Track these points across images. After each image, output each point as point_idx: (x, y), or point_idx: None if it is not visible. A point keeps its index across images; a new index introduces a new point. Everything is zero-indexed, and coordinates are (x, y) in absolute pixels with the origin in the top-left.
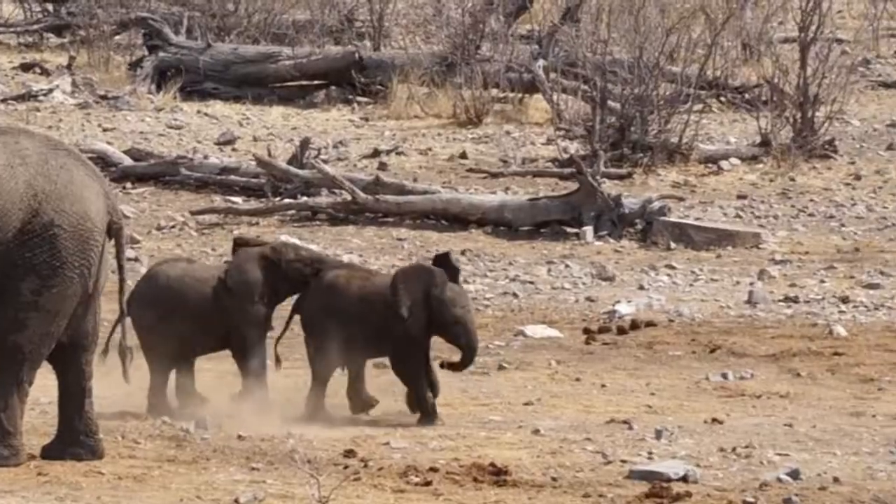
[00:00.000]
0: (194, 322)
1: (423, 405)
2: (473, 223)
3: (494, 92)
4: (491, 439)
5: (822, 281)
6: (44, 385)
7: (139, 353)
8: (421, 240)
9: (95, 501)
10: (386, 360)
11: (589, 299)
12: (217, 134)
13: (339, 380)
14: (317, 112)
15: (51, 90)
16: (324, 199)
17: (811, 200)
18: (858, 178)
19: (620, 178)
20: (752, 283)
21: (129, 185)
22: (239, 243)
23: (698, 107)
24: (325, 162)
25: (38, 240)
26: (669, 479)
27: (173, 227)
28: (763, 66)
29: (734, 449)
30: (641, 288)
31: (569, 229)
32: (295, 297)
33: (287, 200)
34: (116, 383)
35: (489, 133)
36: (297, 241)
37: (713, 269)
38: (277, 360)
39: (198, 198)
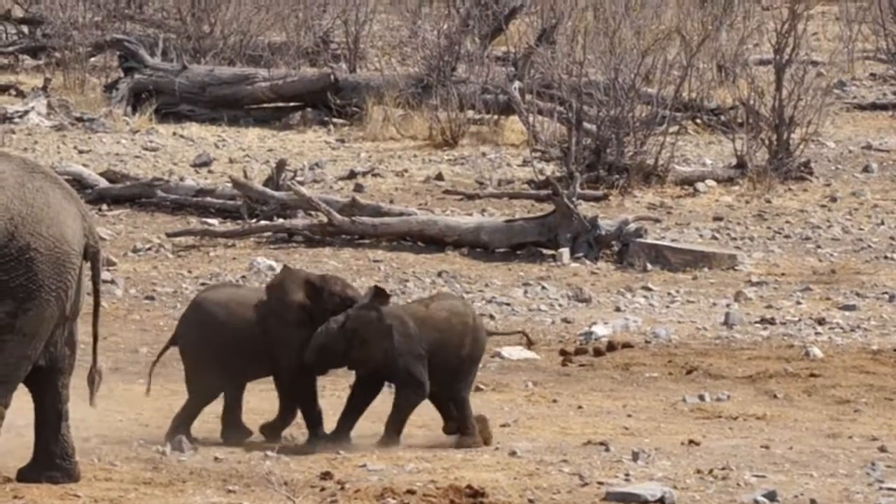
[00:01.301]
0: (241, 347)
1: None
2: (450, 245)
3: (470, 114)
4: (468, 461)
5: (799, 302)
6: (20, 408)
7: (116, 376)
8: (397, 262)
9: None
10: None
11: (565, 321)
12: (193, 156)
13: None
14: (293, 134)
15: (26, 112)
16: (300, 220)
17: (787, 222)
18: (834, 199)
19: (596, 199)
20: (728, 305)
21: (104, 207)
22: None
23: (674, 129)
24: (301, 184)
25: (14, 263)
26: (646, 501)
27: (149, 249)
28: (739, 87)
29: (711, 471)
30: (618, 309)
31: (545, 251)
32: None
33: (263, 222)
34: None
35: (465, 155)
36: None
37: (689, 290)
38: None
39: (174, 220)
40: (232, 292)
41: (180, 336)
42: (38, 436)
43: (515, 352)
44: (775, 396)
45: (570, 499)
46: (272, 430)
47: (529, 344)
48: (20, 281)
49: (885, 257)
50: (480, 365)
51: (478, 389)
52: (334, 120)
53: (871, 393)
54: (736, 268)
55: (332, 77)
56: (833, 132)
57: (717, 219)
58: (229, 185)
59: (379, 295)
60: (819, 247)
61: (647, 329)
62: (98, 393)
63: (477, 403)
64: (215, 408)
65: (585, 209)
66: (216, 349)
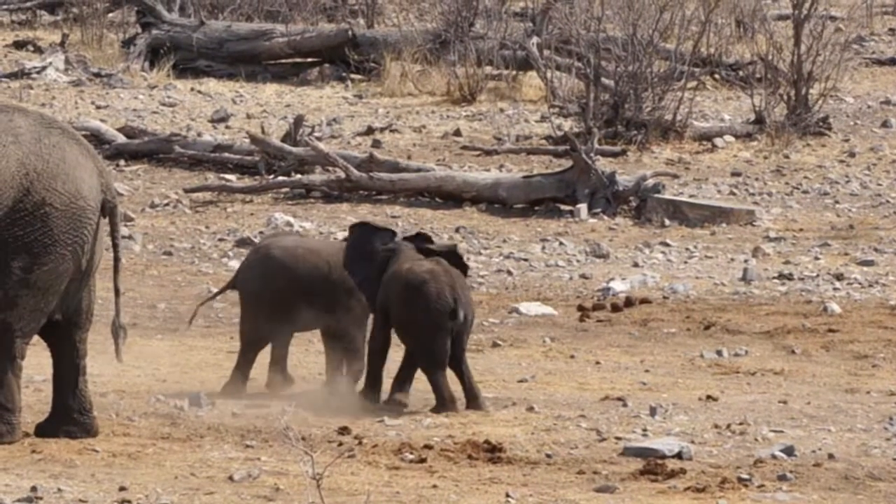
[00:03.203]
0: (303, 295)
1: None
2: (467, 201)
3: (488, 69)
4: (485, 417)
5: (817, 258)
6: (38, 363)
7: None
8: (415, 217)
9: (90, 479)
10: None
11: (583, 277)
12: (210, 111)
13: None
14: (310, 90)
15: (44, 68)
16: (318, 176)
17: (805, 178)
18: (852, 155)
19: (614, 155)
20: (746, 261)
21: (122, 162)
22: (368, 225)
23: (692, 84)
24: (319, 139)
25: (29, 218)
26: (664, 456)
27: (167, 204)
28: (757, 43)
29: (729, 426)
30: (636, 265)
31: (563, 207)
32: None
33: (281, 178)
34: (111, 360)
35: (483, 111)
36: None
37: (707, 246)
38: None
39: (191, 175)
40: (298, 239)
41: (241, 280)
42: (56, 390)
43: (533, 307)
44: (793, 352)
45: (587, 454)
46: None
47: None
48: (35, 236)
49: None
50: (498, 321)
51: (496, 345)
52: (352, 76)
53: (888, 348)
54: (754, 223)
55: (349, 33)
56: (851, 87)
57: (736, 174)
58: (247, 140)
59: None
60: (837, 202)
61: (665, 285)
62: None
63: (495, 359)
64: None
65: (603, 165)
66: (276, 295)
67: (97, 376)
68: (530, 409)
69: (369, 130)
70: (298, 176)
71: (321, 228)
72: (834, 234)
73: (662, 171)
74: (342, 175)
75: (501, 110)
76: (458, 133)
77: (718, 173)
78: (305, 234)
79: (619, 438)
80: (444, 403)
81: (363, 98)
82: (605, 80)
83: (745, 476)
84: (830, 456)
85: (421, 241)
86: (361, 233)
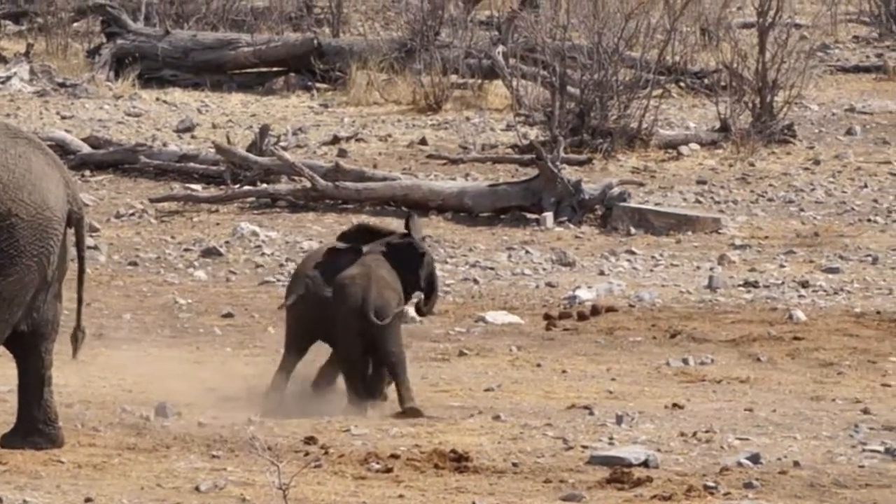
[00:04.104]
0: None
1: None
2: (433, 209)
3: (454, 78)
4: (452, 426)
5: (782, 265)
6: (3, 374)
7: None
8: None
9: (55, 490)
10: None
11: (549, 285)
12: (176, 121)
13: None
14: (276, 99)
15: (8, 78)
16: (283, 186)
17: (770, 185)
18: (817, 162)
19: (580, 163)
20: (711, 269)
21: (87, 172)
22: (365, 229)
23: (658, 92)
24: (285, 149)
25: None
26: (630, 465)
27: (132, 214)
28: (722, 51)
29: (695, 434)
30: (602, 273)
31: (529, 215)
32: None
33: (246, 187)
34: (77, 371)
35: (449, 119)
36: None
37: (673, 254)
38: None
39: (157, 185)
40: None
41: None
42: (21, 401)
43: (499, 316)
44: (759, 359)
45: (553, 462)
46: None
47: None
48: (1, 246)
49: (868, 220)
50: (464, 330)
51: (461, 354)
52: (318, 85)
53: (854, 355)
54: (719, 231)
55: (315, 42)
56: (816, 95)
57: (701, 182)
58: (212, 150)
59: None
60: (802, 210)
61: (631, 293)
62: (81, 358)
63: (461, 368)
64: (200, 373)
65: (569, 173)
66: None
67: (63, 387)
68: (496, 417)
69: (335, 139)
70: (264, 185)
71: (287, 238)
72: (799, 242)
73: (628, 179)
74: (308, 184)
75: (467, 119)
76: (423, 142)
77: (684, 181)
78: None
79: (585, 447)
80: (355, 404)
81: (329, 107)
82: (570, 89)
83: (711, 484)
84: (796, 463)
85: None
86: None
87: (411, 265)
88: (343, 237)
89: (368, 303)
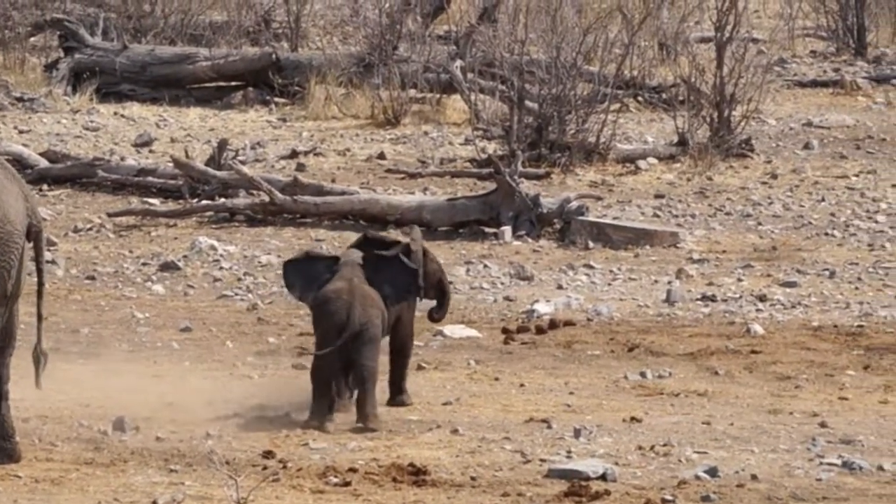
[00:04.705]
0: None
1: None
2: (392, 223)
3: (412, 92)
4: (410, 439)
5: (740, 279)
6: None
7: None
8: (339, 241)
9: None
10: None
11: (507, 299)
12: (134, 135)
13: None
14: (234, 113)
15: None
16: (242, 200)
17: (728, 199)
18: (775, 176)
19: (538, 177)
20: (669, 282)
21: (45, 187)
22: (372, 238)
23: (616, 106)
24: (243, 163)
25: None
26: (588, 478)
27: (90, 228)
28: (680, 65)
29: (652, 447)
30: (560, 287)
31: (487, 229)
32: None
33: (205, 202)
34: (33, 385)
35: (407, 133)
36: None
37: (631, 268)
38: None
39: (115, 199)
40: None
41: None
42: None
43: (458, 330)
44: (717, 373)
45: (512, 476)
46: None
47: None
48: None
49: (826, 234)
50: (422, 343)
51: (420, 368)
52: (276, 99)
53: (811, 369)
54: (677, 245)
55: (273, 56)
56: (774, 109)
57: (659, 196)
58: (171, 164)
59: None
60: (760, 224)
61: (589, 307)
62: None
63: (420, 382)
64: (158, 387)
65: (527, 187)
66: None
67: (20, 401)
68: (455, 431)
69: (293, 154)
70: (222, 200)
71: (245, 252)
72: (757, 256)
73: (586, 193)
74: (266, 198)
75: (426, 133)
76: (382, 156)
77: (642, 195)
78: None
79: (543, 460)
80: (317, 418)
81: (287, 121)
82: (528, 103)
83: (668, 497)
84: (754, 477)
85: (374, 246)
86: (305, 260)
87: (393, 278)
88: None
89: (353, 320)
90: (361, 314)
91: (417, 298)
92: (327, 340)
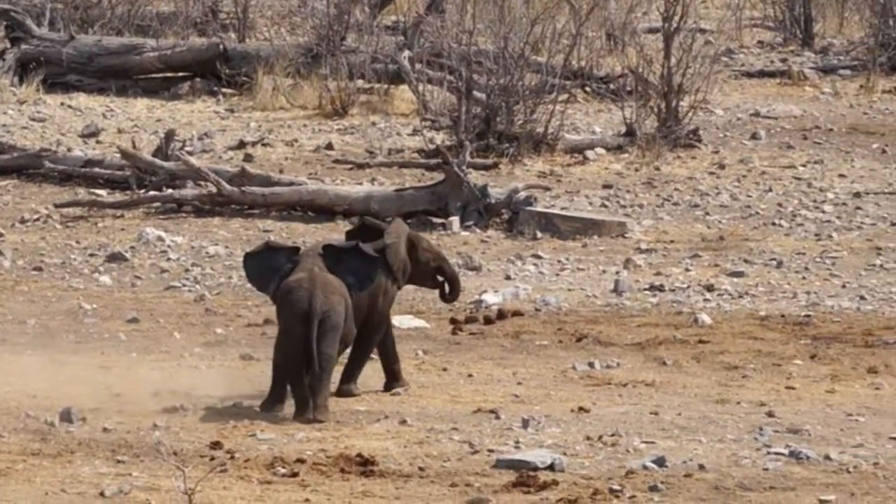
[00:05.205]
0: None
1: None
2: (340, 214)
3: (360, 83)
4: (358, 430)
5: (687, 269)
6: None
7: (3, 347)
8: (287, 231)
9: None
10: None
11: None
12: (81, 126)
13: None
14: (181, 104)
15: None
16: (189, 191)
17: (676, 189)
18: (722, 167)
19: (486, 168)
20: (617, 272)
21: None
22: (368, 224)
23: (563, 97)
24: (191, 154)
25: None
26: (536, 468)
27: (37, 219)
28: (627, 56)
29: (600, 437)
30: (508, 278)
31: (435, 220)
32: None
33: (152, 193)
34: None
35: (355, 124)
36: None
37: (579, 258)
38: None
39: (62, 190)
40: None
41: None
42: None
43: (406, 320)
44: (664, 363)
45: (460, 466)
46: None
47: None
48: None
49: (773, 224)
50: None
51: (368, 358)
52: (223, 90)
53: (758, 359)
54: (625, 235)
55: (220, 47)
56: (721, 100)
57: (607, 186)
58: (118, 155)
59: None
60: (707, 214)
61: (537, 297)
62: None
63: (368, 372)
64: (105, 378)
65: (475, 178)
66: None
67: None
68: (403, 422)
69: (241, 144)
70: (170, 190)
71: (193, 243)
72: (704, 246)
73: (534, 183)
74: (214, 189)
75: (373, 124)
76: (330, 147)
77: (590, 185)
78: None
79: (491, 451)
80: (267, 409)
81: (235, 112)
82: (476, 94)
83: (616, 487)
84: (701, 466)
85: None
86: (266, 251)
87: (354, 268)
88: (349, 235)
89: (315, 308)
90: (323, 302)
91: (396, 289)
92: (291, 329)
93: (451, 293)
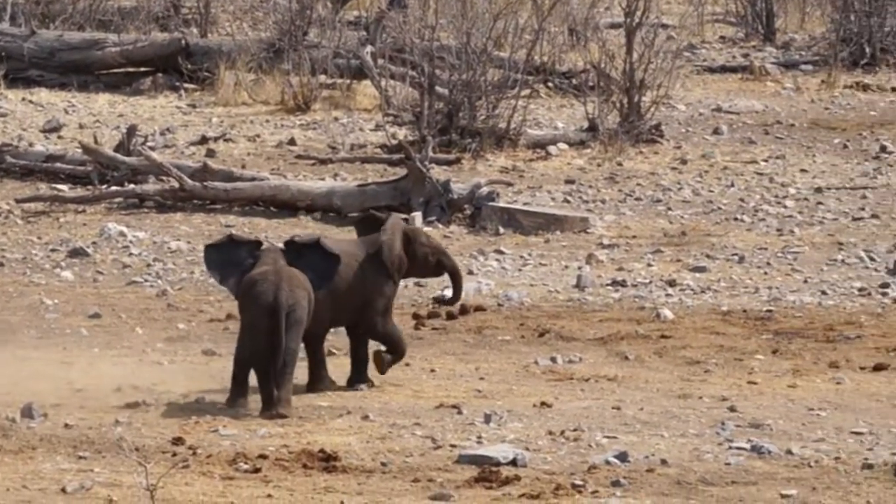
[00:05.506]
0: (334, 296)
1: None
2: (302, 210)
3: (322, 78)
4: (320, 425)
5: (650, 265)
6: None
7: None
8: (249, 227)
9: None
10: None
11: (418, 285)
12: (42, 121)
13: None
14: (143, 99)
15: None
16: (151, 186)
17: (638, 185)
18: (684, 162)
19: (449, 163)
20: (580, 268)
21: None
22: (372, 217)
23: (526, 92)
24: (153, 149)
25: None
26: (499, 463)
27: None
28: (590, 51)
29: (563, 432)
30: (470, 273)
31: (398, 215)
32: None
33: (114, 188)
34: None
35: (317, 119)
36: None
37: (542, 253)
38: None
39: (23, 186)
40: (336, 240)
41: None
42: None
43: None
44: (626, 358)
45: (422, 462)
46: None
47: None
48: None
49: (735, 219)
50: (333, 329)
51: (330, 354)
52: (185, 85)
53: (720, 353)
54: (588, 230)
55: (182, 42)
56: (683, 95)
57: (569, 182)
58: (79, 150)
59: None
60: (670, 209)
61: (500, 292)
62: None
63: (330, 368)
64: (67, 374)
65: (438, 173)
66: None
67: None
68: (365, 417)
69: (203, 140)
70: (132, 186)
71: (155, 238)
72: (666, 241)
73: (497, 179)
74: (176, 185)
75: (336, 119)
76: (292, 142)
77: (552, 181)
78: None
79: (453, 446)
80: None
81: (197, 107)
82: (439, 89)
83: (579, 482)
84: (663, 461)
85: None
86: (228, 244)
87: (314, 264)
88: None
89: (281, 301)
90: (289, 295)
91: (393, 284)
92: (257, 322)
93: (453, 293)
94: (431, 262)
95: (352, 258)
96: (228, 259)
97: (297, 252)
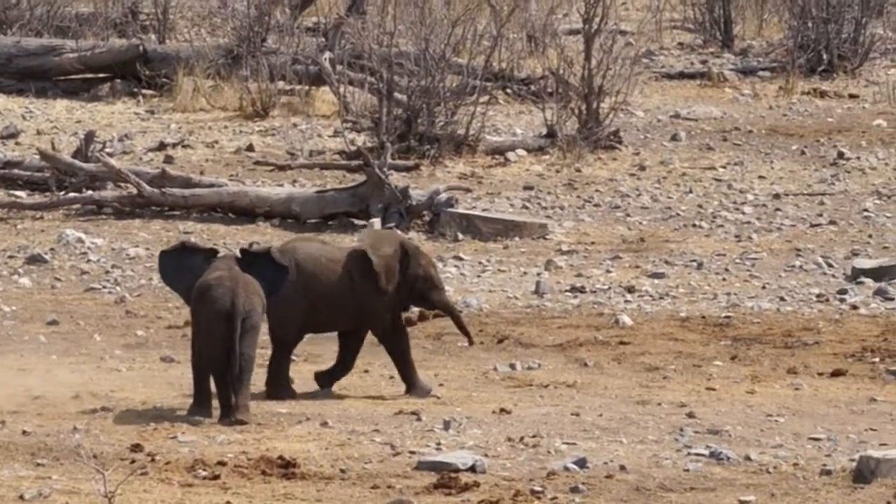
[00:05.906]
0: (327, 300)
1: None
2: (261, 216)
3: (281, 84)
4: (279, 432)
5: (608, 271)
6: None
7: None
8: (208, 233)
9: None
10: None
11: None
12: (0, 128)
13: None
14: (101, 105)
15: None
16: (109, 192)
17: (597, 191)
18: (643, 168)
19: (408, 169)
20: (539, 274)
21: None
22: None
23: (484, 98)
24: (111, 155)
25: None
26: (458, 470)
27: None
28: (548, 57)
29: (522, 438)
30: None
31: (357, 221)
32: None
33: (72, 194)
34: None
35: (276, 126)
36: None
37: (500, 259)
38: None
39: None
40: (320, 246)
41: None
42: None
43: None
44: (585, 364)
45: (381, 468)
46: (330, 378)
47: None
48: None
49: (693, 225)
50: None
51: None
52: (144, 91)
53: (679, 360)
54: (546, 237)
55: (140, 48)
56: (642, 101)
57: (528, 188)
58: (37, 156)
59: None
60: (628, 215)
61: (459, 298)
62: None
63: (290, 374)
64: (25, 381)
65: (397, 179)
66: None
67: None
68: (324, 423)
69: (161, 146)
70: (90, 192)
71: (113, 245)
72: (625, 247)
73: (455, 185)
74: (134, 191)
75: (294, 125)
76: (251, 148)
77: (511, 187)
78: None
79: (412, 452)
80: (195, 412)
81: (155, 114)
82: (397, 95)
83: (538, 488)
84: (622, 468)
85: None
86: (181, 251)
87: (264, 275)
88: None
89: (238, 307)
90: (245, 301)
91: (384, 295)
92: (213, 328)
93: (463, 335)
94: (417, 290)
95: (336, 264)
96: (182, 265)
97: (250, 262)
